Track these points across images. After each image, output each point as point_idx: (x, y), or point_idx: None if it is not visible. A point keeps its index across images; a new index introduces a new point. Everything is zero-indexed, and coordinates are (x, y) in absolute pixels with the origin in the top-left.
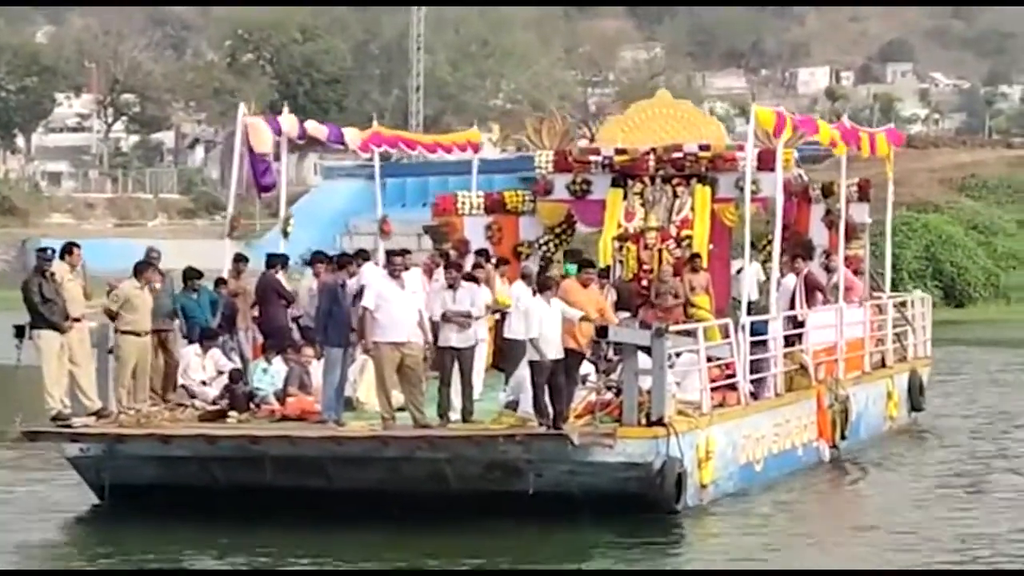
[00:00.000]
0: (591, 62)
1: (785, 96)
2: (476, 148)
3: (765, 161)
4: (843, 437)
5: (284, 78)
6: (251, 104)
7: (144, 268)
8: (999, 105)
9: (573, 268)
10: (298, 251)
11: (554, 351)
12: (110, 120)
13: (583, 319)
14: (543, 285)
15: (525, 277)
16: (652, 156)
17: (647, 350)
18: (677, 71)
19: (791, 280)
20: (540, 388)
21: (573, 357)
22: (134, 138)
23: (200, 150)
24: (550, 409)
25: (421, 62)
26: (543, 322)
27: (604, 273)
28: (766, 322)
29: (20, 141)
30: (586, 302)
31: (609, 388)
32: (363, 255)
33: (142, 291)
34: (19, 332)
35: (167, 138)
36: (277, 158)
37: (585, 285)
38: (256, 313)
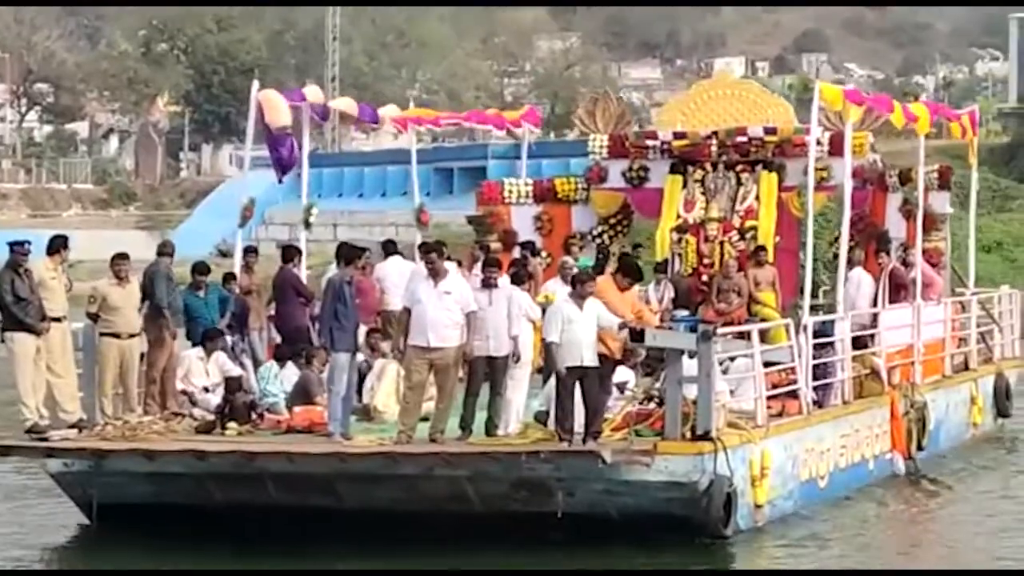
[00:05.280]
0: (507, 52)
1: None
2: (536, 121)
3: (836, 145)
4: (920, 448)
5: (199, 68)
6: (165, 93)
7: (116, 261)
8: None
9: (589, 261)
10: (212, 242)
11: (587, 357)
12: (23, 110)
13: (622, 326)
14: (575, 284)
15: (563, 274)
16: (714, 140)
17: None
18: (593, 61)
19: (858, 274)
20: (562, 398)
21: (605, 364)
22: (47, 128)
23: (114, 140)
24: (575, 421)
25: (337, 52)
26: (572, 325)
27: (662, 267)
28: (833, 322)
29: None
30: (619, 303)
31: (651, 398)
32: (391, 247)
33: (120, 287)
34: None
35: (81, 128)
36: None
37: (622, 290)
38: (272, 312)
